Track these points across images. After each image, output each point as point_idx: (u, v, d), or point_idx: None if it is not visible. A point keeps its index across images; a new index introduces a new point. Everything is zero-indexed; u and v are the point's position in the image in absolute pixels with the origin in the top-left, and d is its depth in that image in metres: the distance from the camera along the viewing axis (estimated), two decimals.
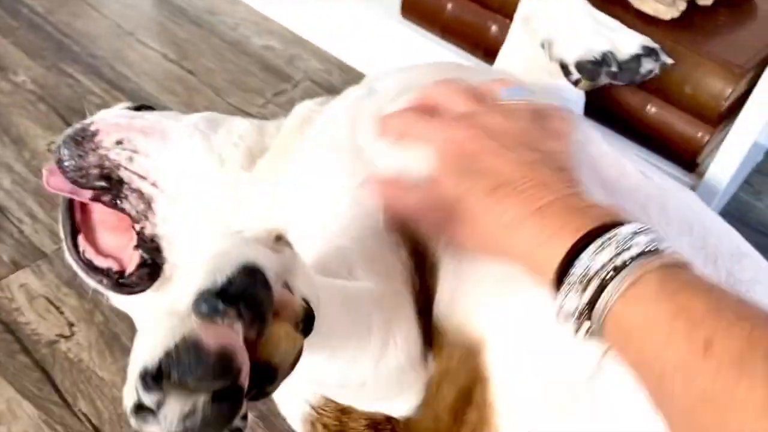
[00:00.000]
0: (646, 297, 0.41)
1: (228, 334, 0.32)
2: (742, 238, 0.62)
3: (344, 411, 0.64)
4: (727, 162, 0.84)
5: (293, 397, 0.67)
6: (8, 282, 0.85)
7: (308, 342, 0.39)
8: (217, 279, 0.33)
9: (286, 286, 0.38)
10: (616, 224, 0.43)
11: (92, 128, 0.66)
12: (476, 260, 0.55)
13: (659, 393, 0.40)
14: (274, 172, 0.67)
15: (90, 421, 0.73)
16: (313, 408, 0.65)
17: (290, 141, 0.68)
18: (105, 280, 0.64)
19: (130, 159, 0.64)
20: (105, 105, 1.08)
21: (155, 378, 0.31)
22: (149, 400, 0.31)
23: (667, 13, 0.85)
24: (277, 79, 1.20)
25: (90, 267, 0.64)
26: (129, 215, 0.64)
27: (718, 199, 0.90)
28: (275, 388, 0.37)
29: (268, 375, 0.35)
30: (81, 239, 0.65)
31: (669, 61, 0.80)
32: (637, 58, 0.79)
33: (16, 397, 0.74)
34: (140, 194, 0.64)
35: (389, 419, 0.62)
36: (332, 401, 0.64)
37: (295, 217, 0.63)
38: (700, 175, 0.89)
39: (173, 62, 1.21)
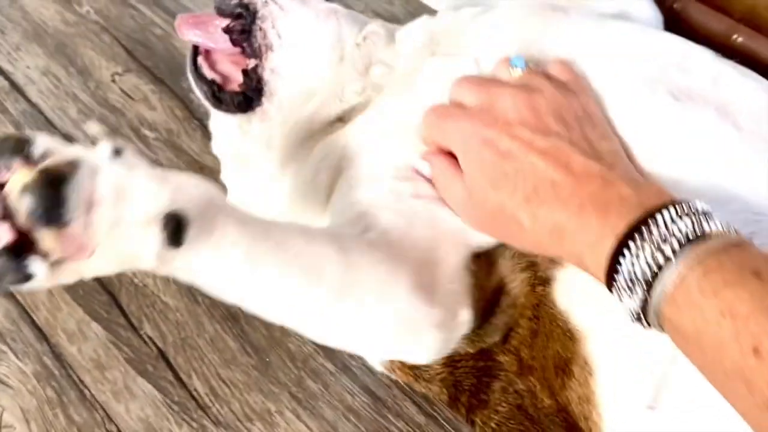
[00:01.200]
0: (692, 299, 0.40)
1: None
2: None
3: None
4: None
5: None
6: None
7: (225, 250, 0.45)
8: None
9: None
10: (656, 210, 0.43)
11: None
12: None
13: (728, 393, 0.40)
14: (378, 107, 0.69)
15: (155, 344, 0.75)
16: None
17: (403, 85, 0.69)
18: (206, 89, 0.69)
19: (267, 3, 0.68)
20: (168, 36, 1.08)
21: None
22: None
23: None
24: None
25: (199, 75, 0.70)
26: (249, 48, 0.69)
27: None
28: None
29: (8, 212, 0.39)
30: (200, 58, 0.70)
31: None
32: None
33: (85, 318, 0.76)
34: (264, 36, 0.68)
35: (478, 356, 0.62)
36: None
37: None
38: None
39: None
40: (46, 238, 0.39)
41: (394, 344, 0.58)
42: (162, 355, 0.74)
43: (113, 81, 1.03)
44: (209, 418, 0.70)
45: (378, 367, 0.69)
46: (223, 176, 0.79)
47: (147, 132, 0.96)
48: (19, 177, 0.39)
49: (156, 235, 0.42)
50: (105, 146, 0.42)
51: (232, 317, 0.76)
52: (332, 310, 0.53)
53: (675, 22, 0.85)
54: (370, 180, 0.62)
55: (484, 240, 0.58)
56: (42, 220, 0.39)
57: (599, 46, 0.62)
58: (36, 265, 0.39)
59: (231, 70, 0.71)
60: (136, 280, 0.80)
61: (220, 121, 0.75)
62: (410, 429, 0.70)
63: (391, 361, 0.66)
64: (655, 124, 0.57)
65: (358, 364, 0.73)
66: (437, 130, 0.58)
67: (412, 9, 1.13)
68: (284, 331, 0.74)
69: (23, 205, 0.38)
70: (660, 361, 0.52)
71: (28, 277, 0.39)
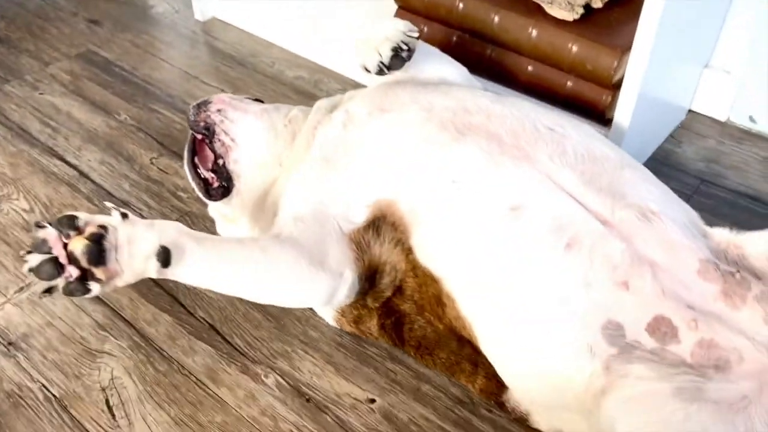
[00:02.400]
0: None
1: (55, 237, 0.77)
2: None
3: (357, 305, 1.02)
4: (623, 114, 1.20)
5: (324, 308, 1.06)
6: None
7: (194, 263, 0.83)
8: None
9: (92, 227, 0.78)
10: None
11: (210, 99, 1.11)
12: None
13: None
14: (295, 157, 1.07)
15: (206, 321, 1.12)
16: (335, 308, 1.04)
17: (305, 141, 1.07)
18: (201, 186, 1.09)
19: (222, 121, 1.08)
20: (185, 130, 1.49)
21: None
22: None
23: (570, 16, 1.22)
24: (308, 99, 1.60)
25: (197, 175, 1.09)
26: (215, 153, 1.08)
27: (626, 141, 1.24)
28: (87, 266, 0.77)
29: (74, 261, 0.76)
30: (196, 159, 1.09)
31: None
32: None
33: (157, 311, 1.13)
34: (223, 143, 1.08)
35: (387, 305, 0.99)
36: (350, 305, 1.01)
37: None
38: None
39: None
40: (96, 272, 0.77)
41: (305, 296, 0.95)
42: (212, 327, 1.11)
43: (152, 163, 1.43)
44: (248, 359, 1.06)
45: (331, 322, 1.06)
46: (218, 228, 1.19)
47: (181, 194, 1.35)
48: (76, 241, 0.76)
49: (154, 263, 0.80)
50: (116, 213, 0.81)
51: None
52: (264, 283, 0.91)
53: (491, 66, 1.27)
54: (285, 208, 1.00)
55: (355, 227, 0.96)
56: (93, 263, 0.77)
57: (421, 101, 1.01)
58: (93, 285, 0.77)
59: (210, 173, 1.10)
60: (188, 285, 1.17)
61: (212, 204, 1.14)
62: (383, 352, 1.06)
63: (340, 318, 1.04)
64: (442, 149, 0.94)
65: None
66: None
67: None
68: None
69: (84, 256, 0.76)
70: (493, 284, 0.88)
71: (88, 291, 0.77)
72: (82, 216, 0.78)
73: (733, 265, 0.88)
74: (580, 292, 0.83)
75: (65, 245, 0.76)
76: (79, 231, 0.76)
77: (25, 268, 0.75)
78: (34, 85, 1.65)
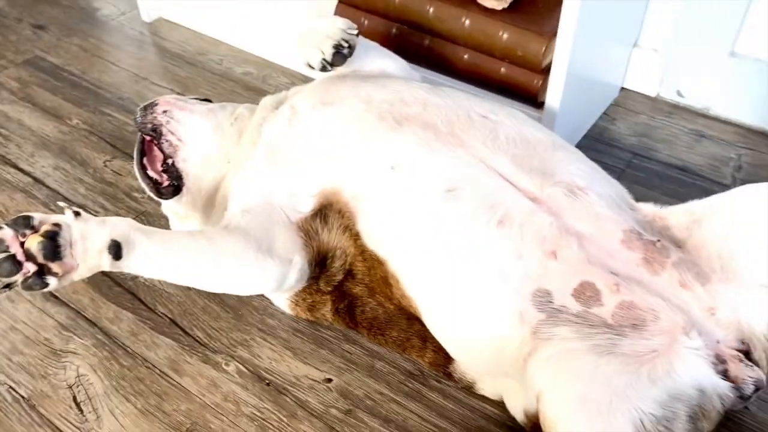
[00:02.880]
0: None
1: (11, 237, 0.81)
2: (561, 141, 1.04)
3: (311, 291, 1.07)
4: (554, 97, 1.27)
5: (278, 296, 1.11)
6: None
7: (143, 255, 0.88)
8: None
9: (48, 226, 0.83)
10: None
11: (156, 101, 1.15)
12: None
13: None
14: (243, 152, 1.12)
15: (167, 316, 1.16)
16: (289, 297, 1.09)
17: (251, 138, 1.13)
18: (152, 187, 1.13)
19: (168, 122, 1.13)
20: (135, 132, 1.52)
21: None
22: None
23: (498, 5, 1.28)
24: (257, 95, 1.64)
25: (146, 176, 1.13)
26: (164, 153, 1.12)
27: (559, 121, 1.32)
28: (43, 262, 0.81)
29: (31, 258, 0.81)
30: (145, 160, 1.14)
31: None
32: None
33: (118, 309, 1.17)
34: (170, 143, 1.12)
35: (340, 289, 1.05)
36: (302, 291, 1.07)
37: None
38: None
39: (180, 94, 1.65)
40: (53, 266, 0.82)
41: (255, 281, 0.99)
42: (173, 321, 1.15)
43: (105, 165, 1.46)
44: (209, 349, 1.11)
45: (287, 310, 1.12)
46: (172, 226, 1.23)
47: (136, 194, 1.39)
48: (32, 239, 0.81)
49: (107, 256, 0.85)
50: (69, 212, 0.86)
51: (212, 293, 1.18)
52: (212, 271, 0.95)
53: (429, 56, 1.33)
54: (233, 202, 1.05)
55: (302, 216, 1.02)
56: (49, 258, 0.81)
57: (361, 94, 1.07)
58: (51, 279, 0.82)
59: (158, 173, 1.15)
60: (147, 282, 1.21)
61: (164, 202, 1.18)
62: (338, 335, 1.12)
63: (295, 307, 1.10)
64: (381, 138, 1.00)
65: None
66: None
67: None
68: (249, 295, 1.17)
69: (39, 252, 0.80)
70: (432, 262, 0.94)
71: (46, 285, 0.82)
72: (37, 216, 0.82)
73: (657, 235, 0.96)
74: (512, 263, 0.90)
75: (22, 243, 0.80)
76: (34, 229, 0.81)
77: None
78: None
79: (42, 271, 0.81)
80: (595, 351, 0.83)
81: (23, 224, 0.81)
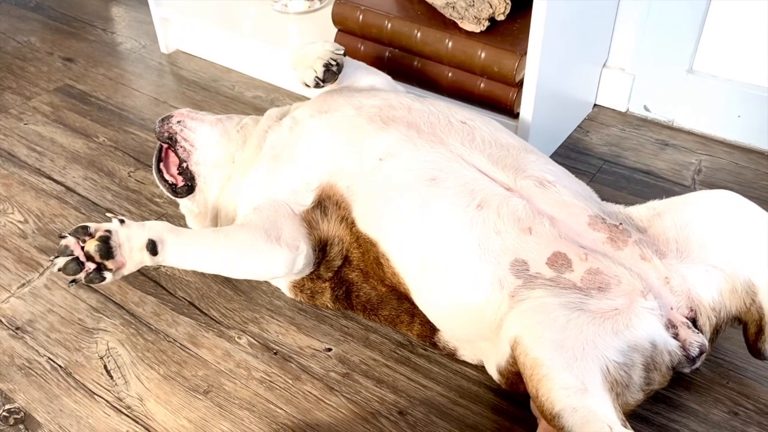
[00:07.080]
0: None
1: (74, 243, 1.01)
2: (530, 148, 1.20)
3: (313, 278, 1.23)
4: (526, 109, 1.44)
5: (280, 281, 1.27)
6: None
7: (174, 250, 1.07)
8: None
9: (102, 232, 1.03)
10: None
11: (172, 114, 1.33)
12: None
13: None
14: (247, 160, 1.29)
15: (186, 299, 1.31)
16: (295, 285, 1.25)
17: (256, 142, 1.30)
18: (168, 188, 1.31)
19: (182, 130, 1.30)
20: (156, 146, 1.69)
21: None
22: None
23: (477, 28, 1.46)
24: None
25: (163, 178, 1.31)
26: (179, 157, 1.30)
27: (534, 131, 1.48)
28: (103, 261, 1.01)
29: (90, 258, 1.01)
30: (162, 165, 1.31)
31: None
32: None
33: (143, 294, 1.33)
34: (184, 149, 1.30)
35: (339, 275, 1.21)
36: (305, 279, 1.23)
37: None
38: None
39: None
40: (108, 264, 1.01)
41: (269, 266, 1.15)
42: (191, 303, 1.30)
43: (129, 176, 1.63)
44: (223, 326, 1.26)
45: (288, 294, 1.27)
46: (189, 223, 1.40)
47: (157, 200, 1.55)
48: (90, 243, 1.00)
49: (146, 253, 1.04)
50: (115, 220, 1.04)
51: (227, 279, 1.33)
52: (233, 262, 1.12)
53: (418, 75, 1.50)
54: (244, 203, 1.23)
55: (305, 209, 1.19)
56: (105, 258, 1.00)
57: (353, 102, 1.25)
58: (107, 274, 1.01)
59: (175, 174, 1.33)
60: (167, 271, 1.37)
61: (181, 200, 1.36)
62: (336, 313, 1.27)
63: (295, 290, 1.25)
64: (370, 135, 1.17)
65: None
66: None
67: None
68: (258, 280, 1.32)
69: (96, 253, 1.00)
70: (418, 240, 1.10)
71: (104, 279, 1.01)
72: (92, 225, 1.02)
73: (620, 221, 1.10)
74: (491, 238, 1.04)
75: (82, 248, 1.00)
76: (91, 235, 1.01)
77: (55, 268, 0.98)
78: (19, 117, 1.85)
79: (99, 268, 1.00)
80: (567, 306, 0.96)
81: (82, 232, 1.01)
